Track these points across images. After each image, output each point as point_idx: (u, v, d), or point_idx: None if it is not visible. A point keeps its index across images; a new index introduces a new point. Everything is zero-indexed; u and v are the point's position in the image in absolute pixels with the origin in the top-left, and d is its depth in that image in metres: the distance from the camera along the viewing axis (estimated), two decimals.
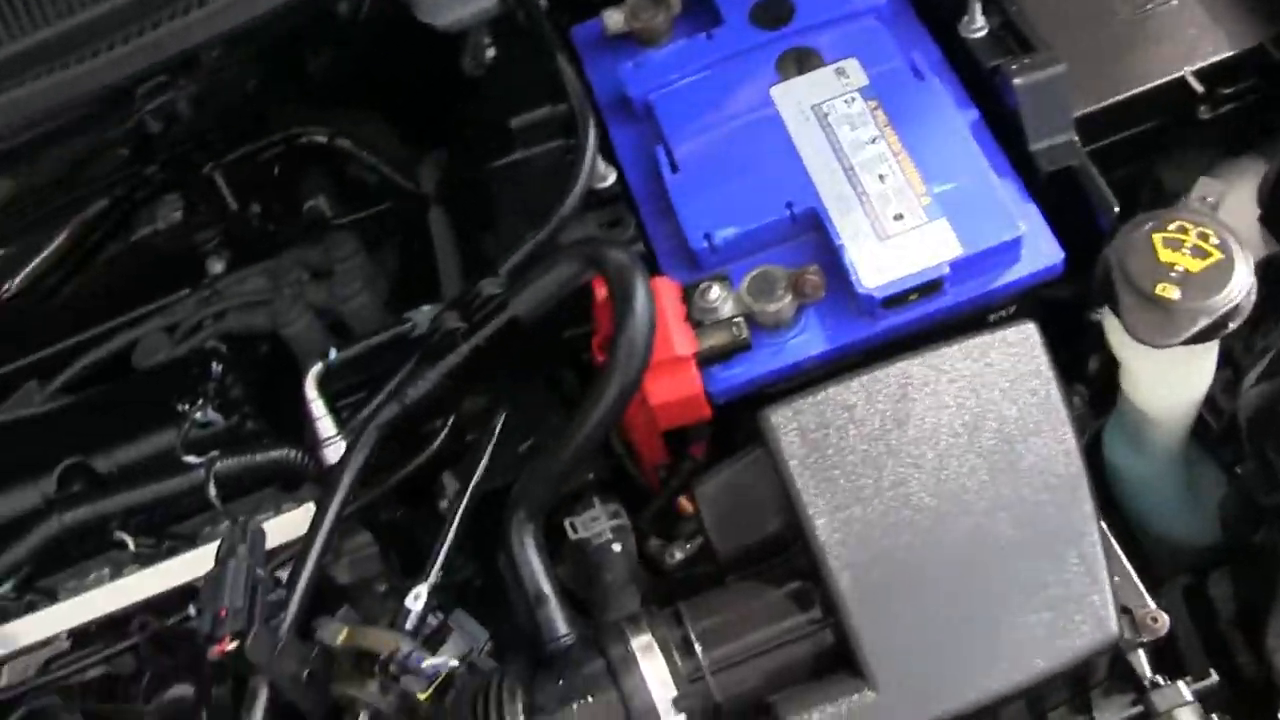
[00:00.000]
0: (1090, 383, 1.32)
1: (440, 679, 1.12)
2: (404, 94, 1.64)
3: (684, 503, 1.39)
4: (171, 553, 1.43)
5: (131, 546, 1.44)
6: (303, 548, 1.23)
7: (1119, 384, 1.26)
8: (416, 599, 1.23)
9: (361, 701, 1.16)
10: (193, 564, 1.41)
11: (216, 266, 1.60)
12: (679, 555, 1.34)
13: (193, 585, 1.40)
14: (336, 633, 1.21)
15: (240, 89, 1.61)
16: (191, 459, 1.37)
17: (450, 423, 1.36)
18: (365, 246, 1.53)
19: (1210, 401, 1.26)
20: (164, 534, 1.45)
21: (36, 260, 1.84)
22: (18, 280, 1.85)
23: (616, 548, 1.32)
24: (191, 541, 1.45)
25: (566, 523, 1.30)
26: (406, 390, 1.27)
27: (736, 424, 1.27)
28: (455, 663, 1.11)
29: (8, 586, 1.45)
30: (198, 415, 1.37)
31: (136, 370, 1.56)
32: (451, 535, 1.28)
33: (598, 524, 1.33)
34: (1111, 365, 1.26)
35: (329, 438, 1.37)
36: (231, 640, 1.16)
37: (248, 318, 1.50)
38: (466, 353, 1.25)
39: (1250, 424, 1.19)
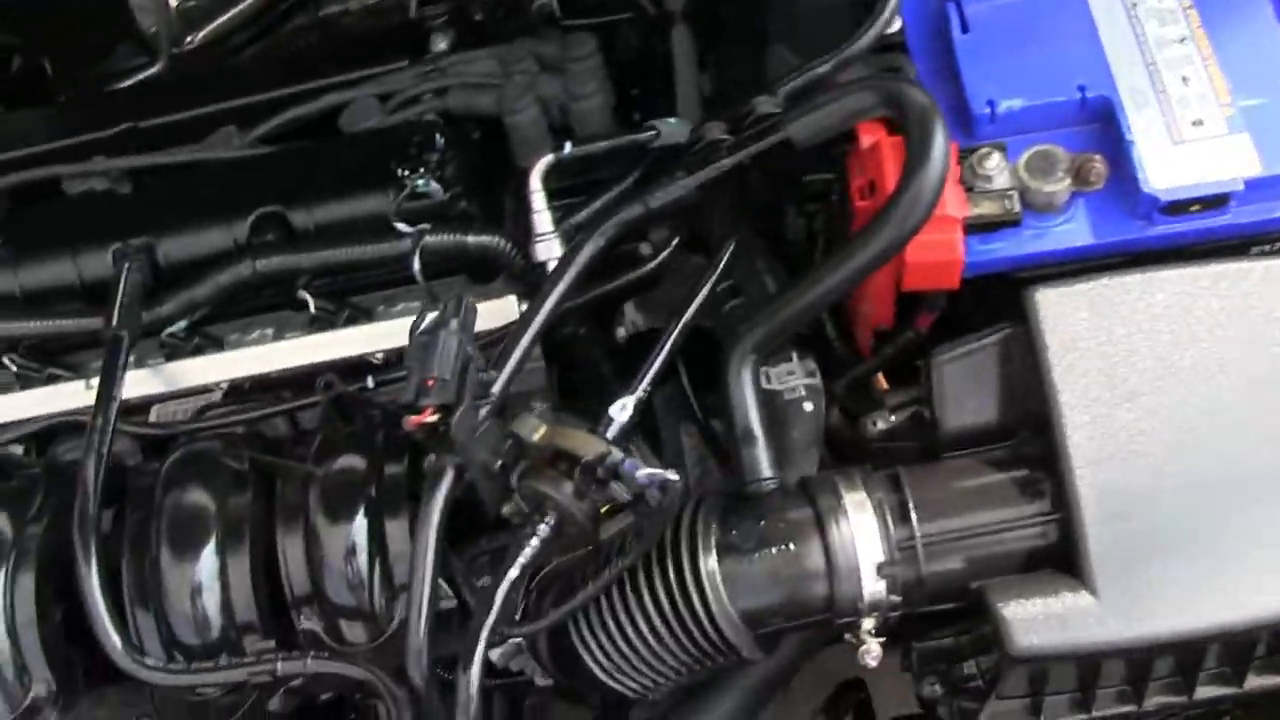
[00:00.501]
0: None
1: (643, 492, 1.09)
2: None
3: (881, 378, 1.35)
4: (351, 322, 1.42)
5: (312, 308, 1.42)
6: (518, 329, 1.20)
7: None
8: (623, 409, 1.20)
9: (553, 501, 1.14)
10: (370, 337, 1.40)
11: (440, 44, 1.55)
12: (880, 425, 1.30)
13: (365, 359, 1.39)
14: (534, 428, 1.18)
15: None
16: (403, 227, 1.33)
17: (675, 243, 1.32)
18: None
19: None
20: (344, 302, 1.43)
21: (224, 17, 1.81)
22: (201, 34, 1.82)
23: (808, 406, 1.29)
24: (369, 315, 1.43)
25: (761, 371, 1.26)
26: (654, 193, 1.22)
27: (976, 302, 1.22)
28: (675, 476, 1.07)
29: (181, 326, 1.44)
30: (419, 183, 1.33)
31: (342, 132, 1.52)
32: (664, 354, 1.24)
33: (793, 379, 1.30)
34: None
35: (544, 233, 1.33)
36: (434, 413, 1.13)
37: (473, 98, 1.45)
38: (729, 166, 1.20)
39: None
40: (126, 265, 1.41)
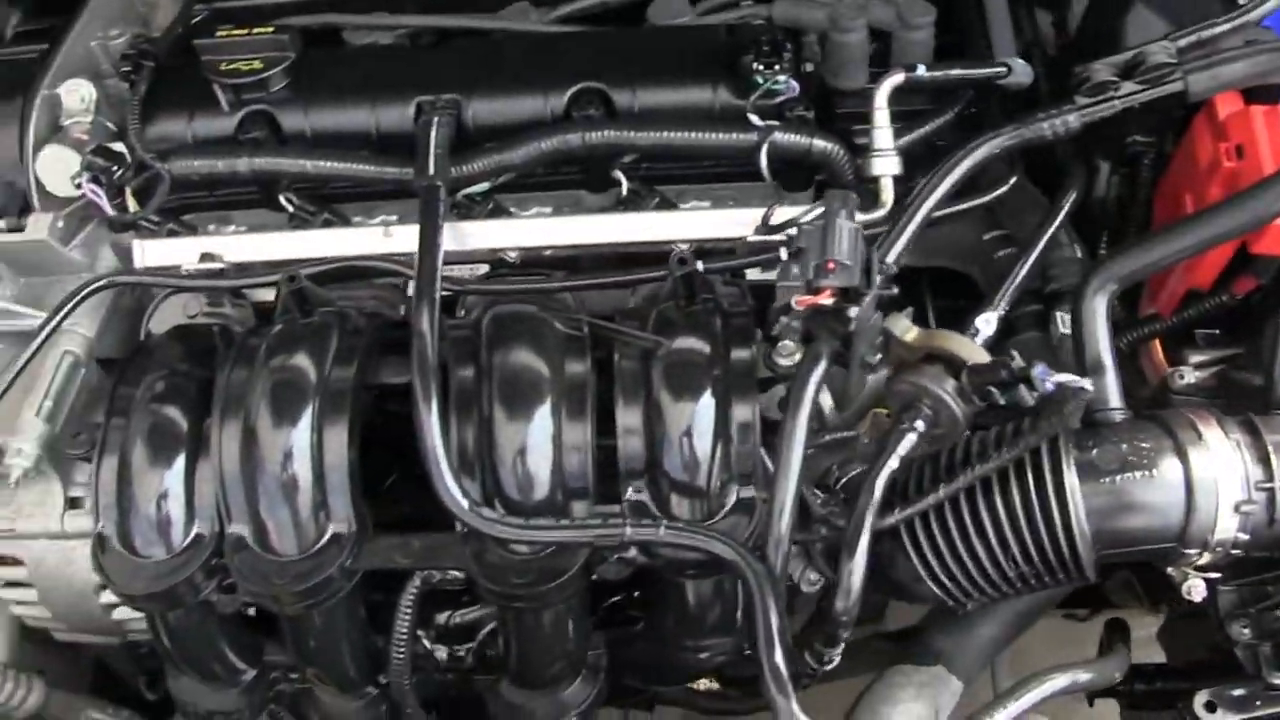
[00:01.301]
0: None
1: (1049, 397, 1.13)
2: None
3: (1156, 346, 1.41)
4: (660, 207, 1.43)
5: (624, 189, 1.43)
6: (903, 222, 1.23)
7: None
8: (988, 323, 1.25)
9: (934, 397, 1.17)
10: (678, 225, 1.41)
11: None
12: (1186, 380, 1.36)
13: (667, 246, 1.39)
14: (906, 329, 1.22)
15: None
16: (755, 119, 1.35)
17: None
18: None
19: None
20: (651, 188, 1.44)
21: None
22: None
23: None
24: (672, 205, 1.45)
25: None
26: (1037, 124, 1.27)
27: None
28: (1088, 385, 1.11)
29: (482, 188, 1.43)
30: (779, 80, 1.35)
31: (652, 21, 1.53)
32: (1023, 273, 1.29)
33: None
34: None
35: (883, 149, 1.36)
36: (832, 294, 1.16)
37: (800, 11, 1.47)
38: (1119, 107, 1.25)
39: None
40: (436, 119, 1.41)
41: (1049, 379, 1.12)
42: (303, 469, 1.25)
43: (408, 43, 1.58)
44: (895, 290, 1.20)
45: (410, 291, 1.41)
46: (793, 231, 1.23)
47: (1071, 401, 1.12)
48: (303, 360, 1.29)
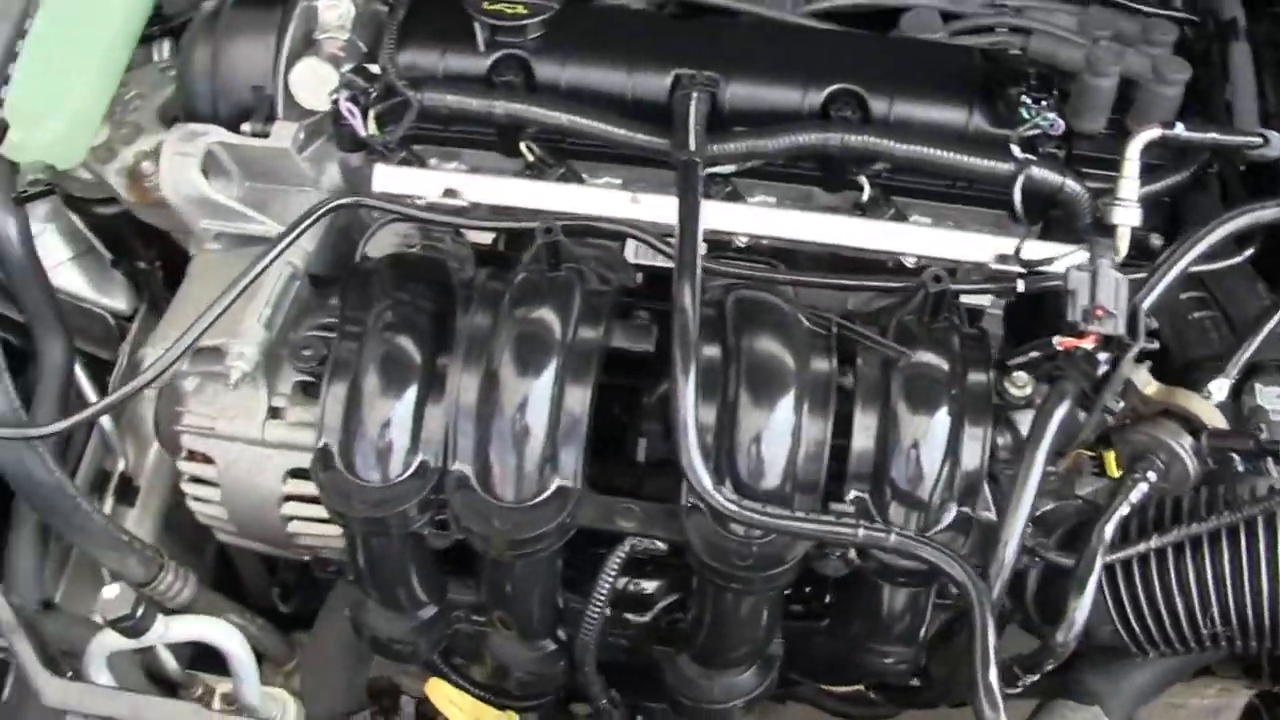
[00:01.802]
0: None
1: None
2: None
3: None
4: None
5: (865, 194, 1.48)
6: (1155, 279, 1.28)
7: None
8: (1219, 389, 1.31)
9: (1169, 451, 1.24)
10: (911, 238, 1.46)
11: None
12: None
13: (895, 258, 1.45)
14: (1146, 381, 1.28)
15: None
16: (1016, 151, 1.40)
17: None
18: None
19: None
20: (889, 199, 1.49)
21: None
22: None
23: None
24: (903, 217, 1.49)
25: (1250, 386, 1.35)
26: None
27: None
28: None
29: (730, 170, 1.47)
30: (1048, 117, 1.39)
31: (904, 32, 1.57)
32: (1254, 345, 1.35)
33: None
34: None
35: (1126, 199, 1.40)
36: (1094, 340, 1.22)
37: (1057, 49, 1.51)
38: None
39: None
40: (695, 94, 1.45)
41: None
42: (538, 420, 1.30)
43: (654, 9, 1.62)
44: (1156, 344, 1.26)
45: (631, 255, 1.48)
46: (1058, 268, 1.29)
47: None
48: (549, 314, 1.33)
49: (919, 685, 1.58)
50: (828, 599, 1.49)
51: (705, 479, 1.22)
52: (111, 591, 1.31)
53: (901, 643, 1.41)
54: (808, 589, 1.49)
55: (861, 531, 1.24)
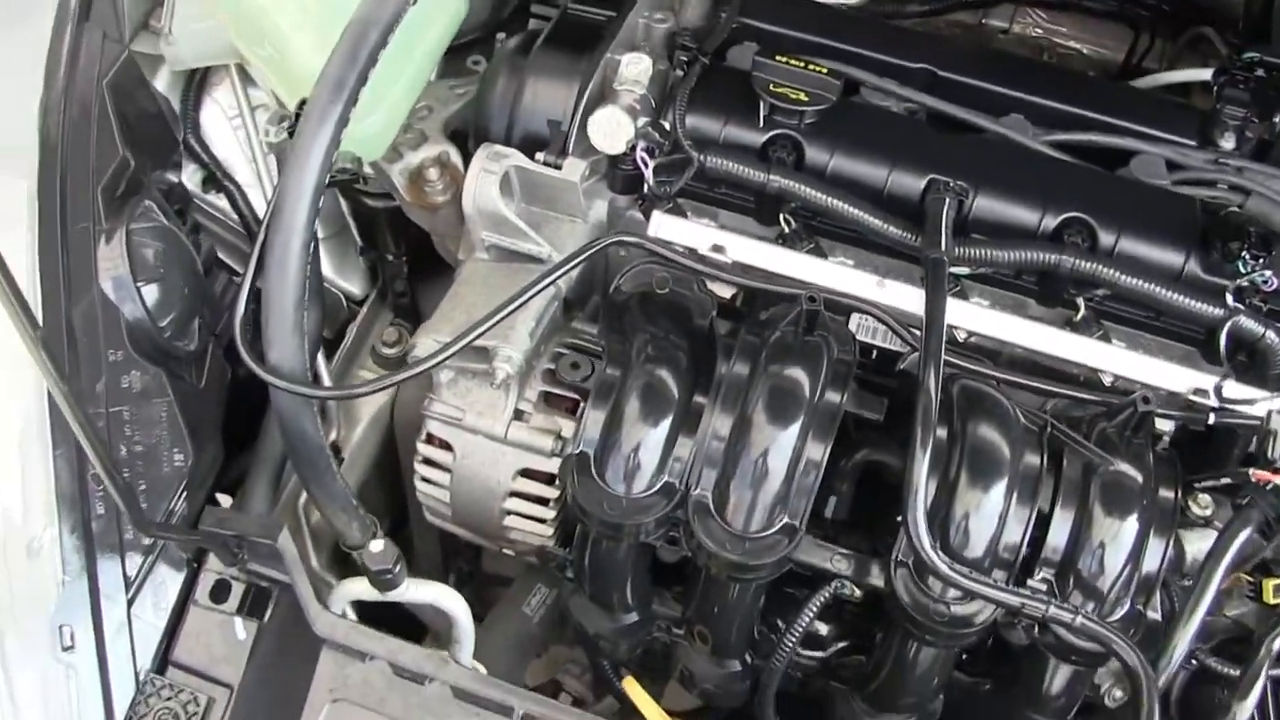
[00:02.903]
0: None
1: None
2: None
3: None
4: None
5: (1080, 314, 1.74)
6: None
7: None
8: None
9: None
10: (1111, 358, 1.72)
11: (1228, 142, 1.89)
12: None
13: (1095, 374, 1.71)
14: None
15: None
16: (1230, 300, 1.67)
17: None
18: None
19: None
20: (1100, 322, 1.76)
21: None
22: None
23: None
24: (1108, 339, 1.75)
25: None
26: None
27: None
28: None
29: (964, 271, 1.74)
30: (1265, 275, 1.66)
31: (1132, 174, 1.84)
32: None
33: None
34: None
35: None
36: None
37: (1273, 212, 1.78)
38: None
39: None
40: (946, 199, 1.72)
41: None
42: (779, 465, 1.56)
43: (915, 115, 1.90)
44: None
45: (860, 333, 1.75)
46: (1260, 412, 1.56)
47: None
48: (801, 374, 1.60)
49: None
50: (991, 664, 1.74)
51: (925, 537, 1.47)
52: (378, 545, 1.57)
53: (1054, 716, 1.66)
54: (977, 655, 1.75)
55: (1051, 609, 1.49)
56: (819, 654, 1.76)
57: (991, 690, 1.73)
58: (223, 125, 1.99)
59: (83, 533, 1.54)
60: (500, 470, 1.77)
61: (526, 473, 1.77)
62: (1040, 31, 2.39)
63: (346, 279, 2.14)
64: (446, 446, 1.79)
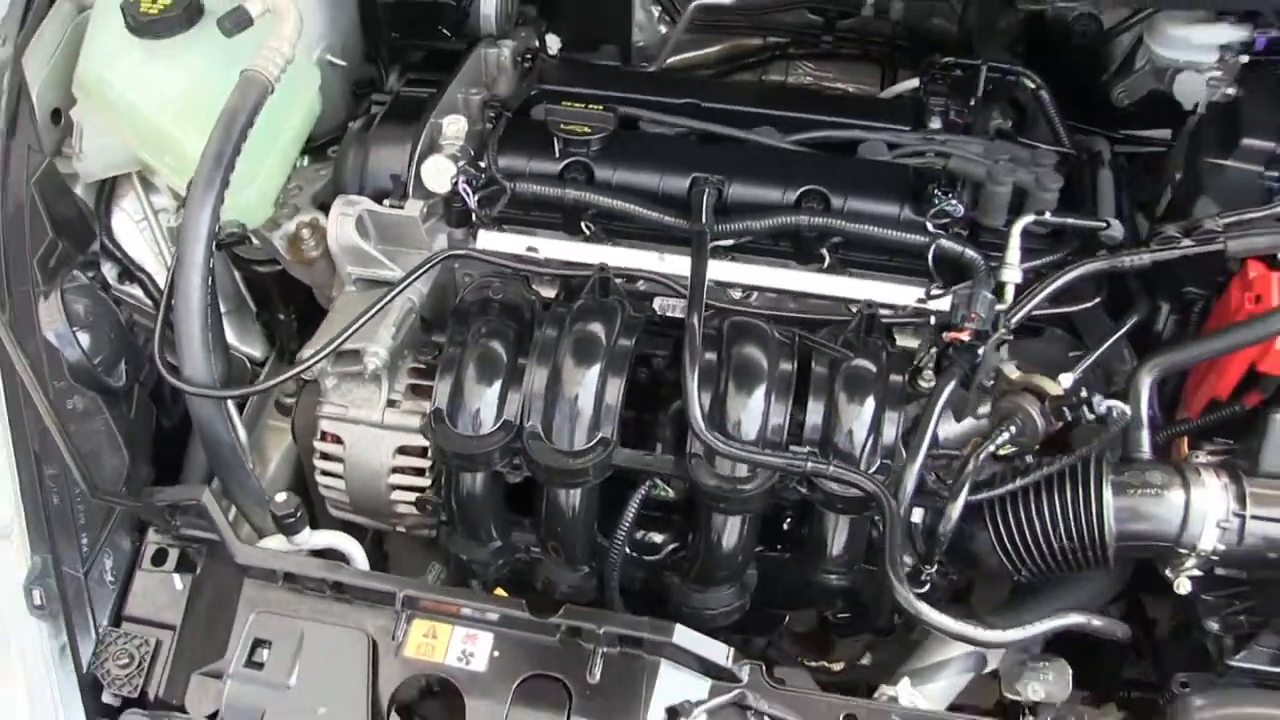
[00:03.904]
0: None
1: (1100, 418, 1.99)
2: None
3: (1183, 442, 2.25)
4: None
5: (827, 261, 2.32)
6: (1019, 303, 2.11)
7: None
8: (1066, 379, 2.10)
9: (1025, 413, 2.03)
10: (858, 290, 2.29)
11: (935, 123, 2.50)
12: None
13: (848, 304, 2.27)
14: (1013, 369, 2.09)
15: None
16: (930, 227, 2.25)
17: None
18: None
19: None
20: (846, 268, 2.34)
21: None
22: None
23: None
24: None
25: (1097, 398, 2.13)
26: (1120, 257, 2.18)
27: None
28: (1126, 407, 1.97)
29: (730, 242, 2.32)
30: (951, 203, 2.25)
31: (860, 155, 2.45)
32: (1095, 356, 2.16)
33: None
34: None
35: (1012, 264, 2.24)
36: (968, 334, 2.03)
37: (968, 167, 2.37)
38: (1179, 254, 2.15)
39: None
40: (705, 190, 2.31)
41: (1102, 403, 1.98)
42: (588, 396, 2.10)
43: (684, 136, 2.51)
44: (1010, 336, 2.07)
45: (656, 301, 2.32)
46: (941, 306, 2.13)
47: (1115, 422, 1.98)
48: (598, 326, 2.15)
49: (857, 615, 2.33)
50: (788, 538, 2.26)
51: (702, 425, 2.01)
52: (282, 497, 2.08)
53: (842, 565, 2.17)
54: (775, 528, 2.26)
55: (810, 464, 2.01)
56: (654, 557, 2.27)
57: (792, 559, 2.24)
58: (131, 228, 2.57)
59: (45, 519, 2.05)
60: (382, 451, 2.30)
61: (403, 450, 2.30)
62: (811, 79, 3.04)
63: (248, 345, 2.71)
64: (338, 440, 2.32)
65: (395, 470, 2.31)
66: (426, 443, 2.25)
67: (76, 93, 2.39)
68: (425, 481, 2.30)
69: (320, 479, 2.36)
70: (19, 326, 2.15)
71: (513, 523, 2.29)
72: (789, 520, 2.26)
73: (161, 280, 2.56)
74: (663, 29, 3.02)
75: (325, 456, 2.34)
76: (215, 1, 2.29)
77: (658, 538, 2.28)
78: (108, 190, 2.53)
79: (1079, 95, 2.72)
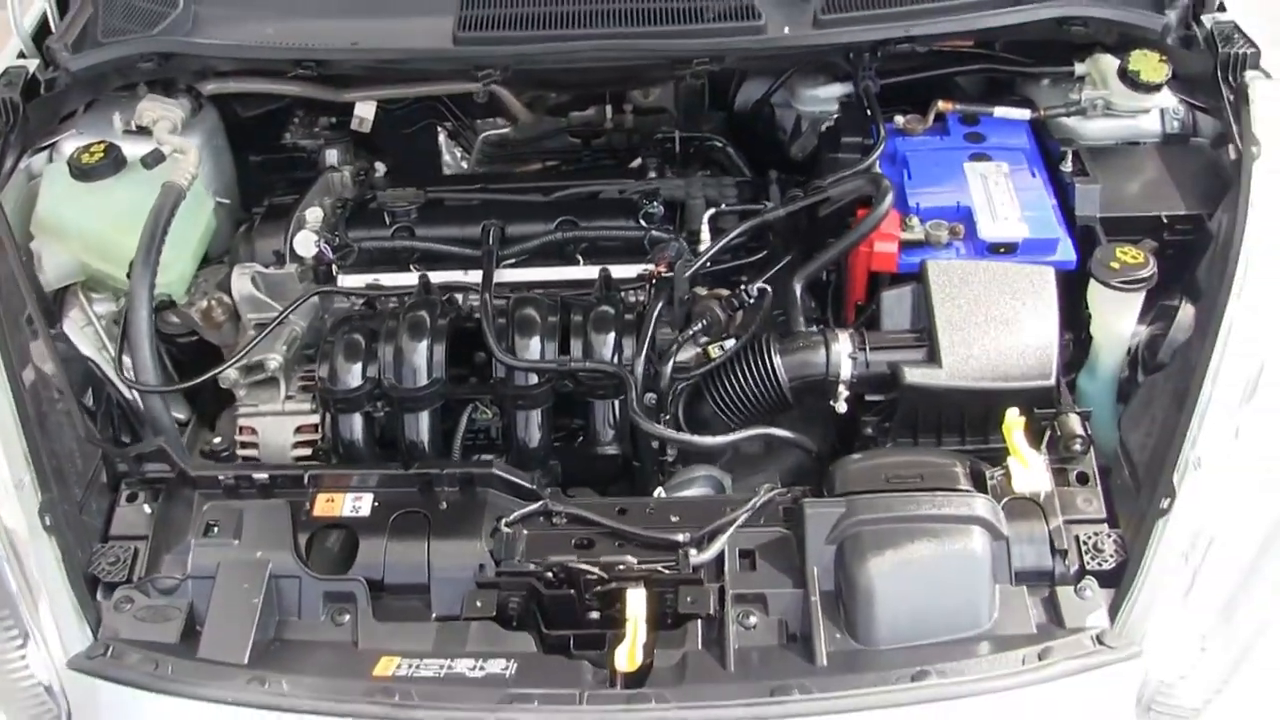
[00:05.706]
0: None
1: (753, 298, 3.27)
2: None
3: None
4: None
5: (582, 261, 3.62)
6: (705, 251, 3.42)
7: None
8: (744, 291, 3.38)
9: (712, 310, 3.32)
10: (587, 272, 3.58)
11: (650, 172, 3.87)
12: None
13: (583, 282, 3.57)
14: (700, 290, 3.39)
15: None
16: (643, 224, 3.57)
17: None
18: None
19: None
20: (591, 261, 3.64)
21: None
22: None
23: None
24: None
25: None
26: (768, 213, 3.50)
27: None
28: (769, 288, 3.26)
29: (513, 260, 3.62)
30: (653, 208, 3.59)
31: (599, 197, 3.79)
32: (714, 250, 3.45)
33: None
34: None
35: (703, 239, 3.55)
36: (666, 266, 3.33)
37: (673, 191, 3.72)
38: (804, 205, 3.48)
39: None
40: (491, 230, 3.62)
41: (753, 288, 3.27)
42: (422, 359, 3.31)
43: (476, 200, 3.82)
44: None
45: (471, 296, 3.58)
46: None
47: (764, 296, 3.27)
48: (423, 314, 3.39)
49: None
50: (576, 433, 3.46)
51: (498, 348, 3.24)
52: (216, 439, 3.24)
53: (613, 441, 3.37)
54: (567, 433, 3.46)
55: (572, 363, 3.24)
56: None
57: (580, 445, 3.44)
58: (78, 334, 3.75)
59: (46, 474, 3.13)
60: (286, 431, 3.47)
61: (300, 429, 3.47)
62: None
63: (175, 408, 3.87)
64: (253, 431, 3.48)
65: (297, 445, 3.47)
66: (316, 420, 3.44)
67: (34, 230, 3.65)
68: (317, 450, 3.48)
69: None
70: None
71: (383, 458, 3.44)
72: (576, 423, 3.49)
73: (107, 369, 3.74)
74: (465, 165, 4.38)
75: (245, 445, 3.50)
76: (133, 149, 3.61)
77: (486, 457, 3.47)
78: (58, 303, 3.73)
79: (771, 157, 4.12)
